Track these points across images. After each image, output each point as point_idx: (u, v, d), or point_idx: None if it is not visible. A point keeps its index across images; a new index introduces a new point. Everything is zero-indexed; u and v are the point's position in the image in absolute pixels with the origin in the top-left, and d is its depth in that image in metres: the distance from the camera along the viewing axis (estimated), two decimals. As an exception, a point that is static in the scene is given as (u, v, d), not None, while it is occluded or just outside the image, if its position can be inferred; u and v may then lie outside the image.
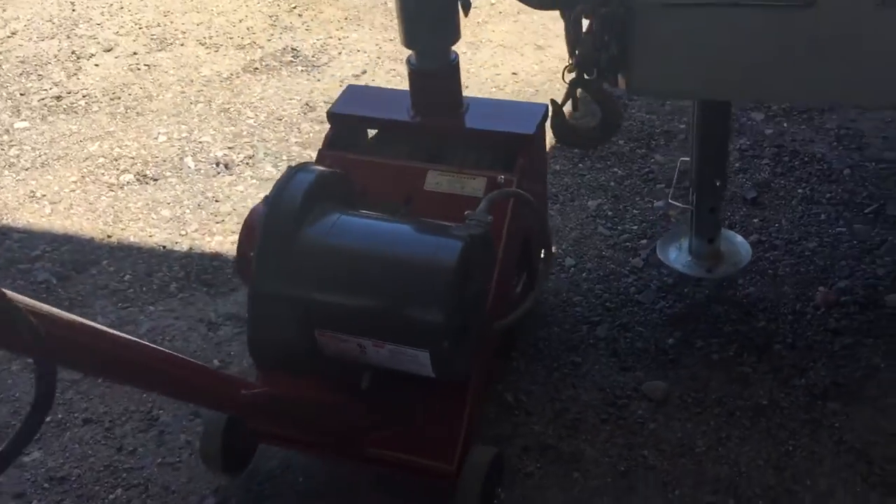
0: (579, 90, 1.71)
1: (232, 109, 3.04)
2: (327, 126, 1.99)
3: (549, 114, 1.78)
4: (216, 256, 2.45)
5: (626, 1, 1.60)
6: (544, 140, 1.98)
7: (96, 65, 3.32)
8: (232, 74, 3.23)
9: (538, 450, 1.88)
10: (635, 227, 2.45)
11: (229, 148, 2.86)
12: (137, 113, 3.05)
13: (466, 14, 1.82)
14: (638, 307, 2.20)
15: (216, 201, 2.65)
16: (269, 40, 3.43)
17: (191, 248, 2.48)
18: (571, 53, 1.68)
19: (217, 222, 2.57)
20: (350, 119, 1.96)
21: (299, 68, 3.24)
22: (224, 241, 2.50)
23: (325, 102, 3.01)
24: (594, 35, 1.62)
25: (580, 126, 1.85)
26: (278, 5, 3.68)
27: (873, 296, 2.17)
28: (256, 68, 3.26)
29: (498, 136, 1.87)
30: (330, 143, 1.94)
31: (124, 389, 2.08)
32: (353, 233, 1.55)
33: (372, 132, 2.02)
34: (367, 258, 1.53)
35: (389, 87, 3.12)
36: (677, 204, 2.25)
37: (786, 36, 1.59)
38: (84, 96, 3.14)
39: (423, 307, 1.46)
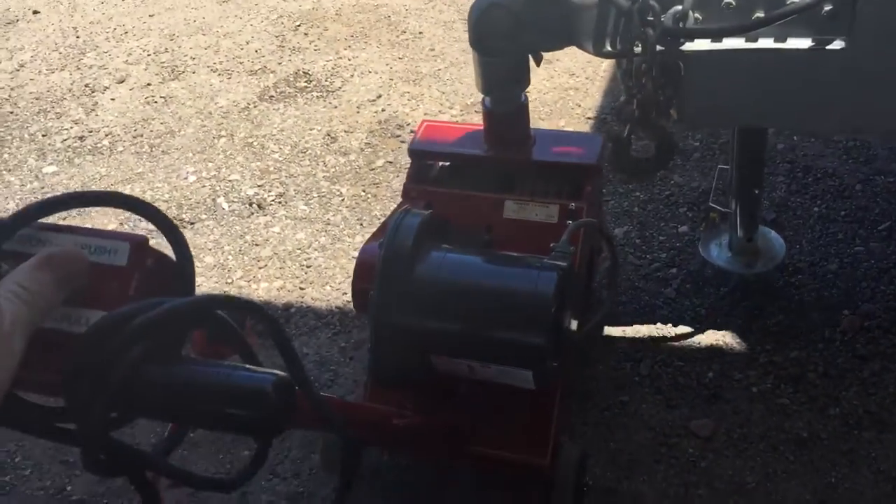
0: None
1: (255, 143, 3.10)
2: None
3: (611, 148, 1.93)
4: (265, 305, 2.55)
5: (681, 50, 1.77)
6: (602, 168, 2.12)
7: (112, 99, 3.36)
8: (249, 104, 3.28)
9: (602, 492, 2.03)
10: (664, 256, 2.57)
11: (259, 186, 2.93)
12: (163, 151, 3.10)
13: (538, 65, 1.96)
14: (675, 340, 2.34)
15: (255, 245, 2.73)
16: (279, 64, 3.47)
17: (239, 297, 2.57)
18: (629, 94, 1.84)
19: (260, 268, 2.66)
20: (430, 154, 2.11)
21: (314, 94, 3.30)
22: (270, 287, 2.60)
23: (345, 132, 3.08)
24: (654, 81, 1.77)
25: (641, 158, 2.00)
26: (283, 24, 3.71)
27: (895, 319, 2.32)
28: (272, 96, 3.31)
29: (566, 167, 2.05)
30: (413, 177, 2.10)
31: (199, 452, 2.19)
32: (460, 269, 1.71)
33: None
34: (475, 291, 1.68)
35: (405, 110, 3.20)
36: (718, 208, 2.41)
37: (822, 72, 1.75)
38: (106, 135, 3.19)
39: (528, 333, 1.62)
